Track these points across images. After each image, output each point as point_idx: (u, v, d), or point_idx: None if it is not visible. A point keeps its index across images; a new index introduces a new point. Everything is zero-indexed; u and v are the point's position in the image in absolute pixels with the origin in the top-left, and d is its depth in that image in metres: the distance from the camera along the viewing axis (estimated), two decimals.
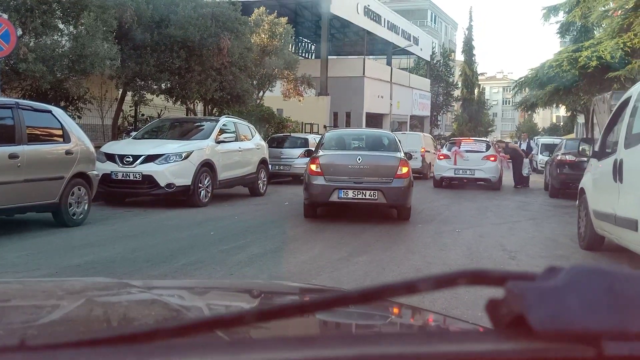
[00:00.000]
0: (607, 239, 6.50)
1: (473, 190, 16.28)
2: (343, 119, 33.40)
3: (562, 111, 65.11)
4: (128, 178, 9.98)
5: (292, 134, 18.84)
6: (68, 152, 7.76)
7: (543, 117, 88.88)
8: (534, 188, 18.13)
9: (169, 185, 9.98)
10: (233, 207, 10.76)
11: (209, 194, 10.79)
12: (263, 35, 22.01)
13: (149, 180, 9.96)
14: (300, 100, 24.61)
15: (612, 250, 6.69)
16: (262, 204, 11.44)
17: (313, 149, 17.18)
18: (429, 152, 20.18)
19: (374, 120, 36.72)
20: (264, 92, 22.88)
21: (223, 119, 12.05)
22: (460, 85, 59.41)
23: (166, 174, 9.96)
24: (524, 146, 19.99)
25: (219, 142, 11.22)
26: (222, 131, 11.55)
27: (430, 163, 19.49)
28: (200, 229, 7.97)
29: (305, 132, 23.60)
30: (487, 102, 72.54)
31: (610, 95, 11.87)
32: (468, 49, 61.10)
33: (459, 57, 63.32)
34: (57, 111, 8.04)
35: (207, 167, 10.69)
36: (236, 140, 12.00)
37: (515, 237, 8.02)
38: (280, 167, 16.76)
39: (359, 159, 8.86)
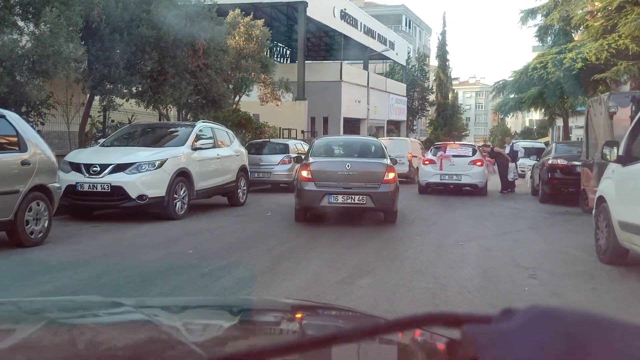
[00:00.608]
0: (632, 251, 5.84)
1: (460, 196, 15.69)
2: (321, 124, 32.69)
3: (536, 115, 65.55)
4: (95, 190, 9.03)
5: (272, 140, 18.00)
6: (24, 163, 6.82)
7: (515, 121, 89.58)
8: (519, 193, 17.64)
9: (140, 197, 9.06)
10: (212, 219, 9.89)
11: (185, 206, 9.90)
12: (238, 38, 21.18)
13: (118, 191, 9.02)
14: (278, 105, 23.79)
15: (638, 264, 6.04)
16: (243, 215, 10.60)
17: (293, 155, 16.50)
18: (415, 157, 19.65)
19: (352, 125, 36.10)
20: (240, 97, 22.03)
21: (199, 124, 11.18)
22: (434, 90, 59.48)
23: (137, 184, 9.05)
24: (507, 150, 19.51)
25: (195, 149, 10.34)
26: (198, 137, 10.68)
27: (417, 168, 18.95)
28: (176, 247, 7.10)
29: (283, 138, 22.80)
30: (460, 106, 72.86)
31: (607, 97, 11.31)
32: (442, 54, 61.22)
33: (433, 62, 63.29)
34: (12, 116, 7.10)
35: (182, 176, 9.81)
36: (214, 146, 11.13)
37: (523, 250, 7.33)
38: (259, 174, 15.92)
39: (348, 166, 9.13)
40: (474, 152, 16.82)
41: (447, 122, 60.06)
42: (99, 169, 9.11)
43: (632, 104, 10.66)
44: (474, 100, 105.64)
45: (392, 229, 9.06)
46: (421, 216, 10.95)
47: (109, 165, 9.14)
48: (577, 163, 13.88)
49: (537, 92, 20.82)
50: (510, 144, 19.96)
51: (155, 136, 11.18)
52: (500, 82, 32.88)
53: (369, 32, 38.55)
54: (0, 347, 1.02)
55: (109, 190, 9.00)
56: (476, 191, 16.50)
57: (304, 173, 9.09)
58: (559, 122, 33.21)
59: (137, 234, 8.03)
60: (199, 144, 10.49)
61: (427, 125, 63.55)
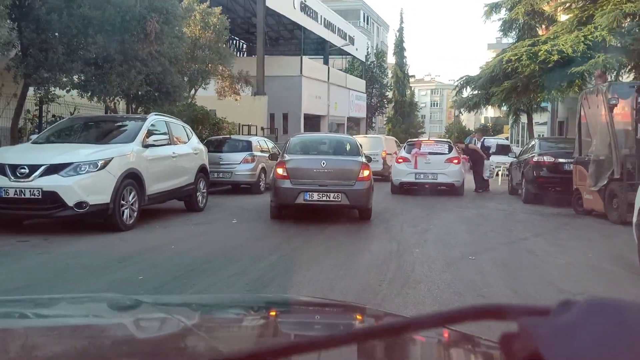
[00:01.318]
0: None
1: (436, 197, 14.59)
2: (280, 121, 31.22)
3: (492, 112, 65.74)
4: (23, 196, 7.36)
5: (233, 136, 16.43)
6: None
7: (468, 119, 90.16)
8: (494, 192, 16.70)
9: (79, 205, 7.44)
10: (167, 230, 8.34)
11: (135, 214, 8.31)
12: (194, 26, 19.56)
13: (52, 198, 7.37)
14: (237, 100, 22.24)
15: None
16: (203, 223, 9.09)
17: (257, 154, 15.06)
18: (390, 154, 18.67)
19: (312, 122, 34.81)
20: (196, 90, 20.41)
21: (152, 117, 9.57)
22: (392, 87, 59.17)
23: (75, 189, 7.42)
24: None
25: (146, 147, 8.76)
26: (150, 132, 9.10)
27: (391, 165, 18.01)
28: (123, 272, 5.54)
29: (243, 135, 21.25)
30: (417, 104, 72.81)
31: (607, 88, 10.29)
32: (399, 51, 60.97)
33: (391, 59, 62.81)
34: None
35: (131, 178, 8.22)
36: (169, 143, 9.59)
37: (548, 265, 6.13)
38: (219, 174, 14.40)
39: (324, 163, 9.16)
40: (450, 149, 15.75)
41: (405, 120, 59.98)
42: (27, 170, 7.44)
43: (638, 94, 9.68)
44: (429, 98, 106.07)
45: (383, 238, 7.77)
46: (406, 221, 9.70)
47: (40, 166, 7.48)
48: (563, 160, 12.92)
49: (511, 85, 19.79)
50: (482, 140, 18.91)
51: (99, 131, 9.52)
52: (464, 78, 32.24)
53: (329, 25, 37.28)
54: (21, 344, 1.06)
55: (40, 196, 7.35)
56: (452, 191, 15.46)
57: (280, 171, 9.08)
58: (523, 118, 32.51)
59: (73, 253, 6.43)
60: (151, 140, 8.91)
61: (385, 122, 63.27)
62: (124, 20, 11.60)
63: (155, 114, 10.05)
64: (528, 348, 0.52)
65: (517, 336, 0.53)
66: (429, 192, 15.39)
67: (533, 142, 14.78)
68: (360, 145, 10.62)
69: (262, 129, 25.76)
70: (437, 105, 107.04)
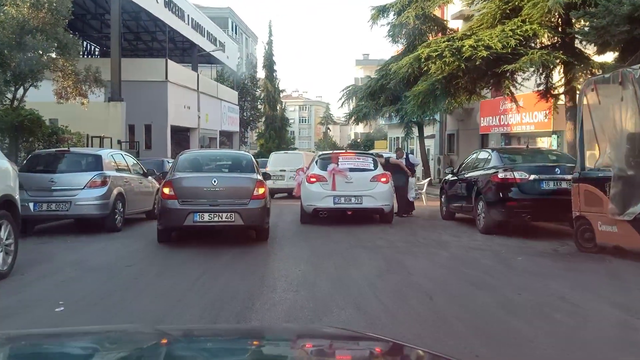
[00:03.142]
0: None
1: (364, 227, 11.01)
2: (142, 133, 25.95)
3: (361, 128, 64.75)
4: None
5: (73, 150, 11.32)
6: None
7: (334, 134, 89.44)
8: (420, 216, 13.38)
9: None
10: None
11: None
12: (22, 4, 14.29)
13: None
14: (83, 104, 16.99)
15: None
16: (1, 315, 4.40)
17: (110, 173, 10.40)
18: None
19: (180, 135, 29.91)
20: (25, 90, 15.04)
21: None
22: (263, 101, 56.42)
23: None
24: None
25: None
26: None
27: None
28: None
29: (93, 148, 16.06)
30: (287, 119, 70.72)
31: (637, 71, 7.06)
32: (269, 64, 58.47)
33: (260, 73, 59.64)
34: None
35: None
36: None
37: None
38: (49, 205, 9.52)
39: (215, 181, 8.58)
40: (376, 164, 12.05)
41: (277, 135, 57.53)
42: None
43: None
44: (298, 114, 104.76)
45: None
46: (374, 285, 5.75)
47: None
48: (537, 176, 9.67)
49: (427, 88, 16.51)
50: (405, 156, 15.45)
51: None
52: (351, 87, 29.58)
53: (198, 27, 32.57)
54: None
55: None
56: (377, 217, 11.84)
57: (167, 190, 8.50)
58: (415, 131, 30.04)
59: None
60: None
61: (257, 137, 60.28)
62: None
63: None
64: None
65: None
66: (350, 219, 11.62)
67: (487, 155, 11.34)
68: (257, 162, 10.12)
69: (119, 142, 20.51)
70: (305, 122, 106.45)
